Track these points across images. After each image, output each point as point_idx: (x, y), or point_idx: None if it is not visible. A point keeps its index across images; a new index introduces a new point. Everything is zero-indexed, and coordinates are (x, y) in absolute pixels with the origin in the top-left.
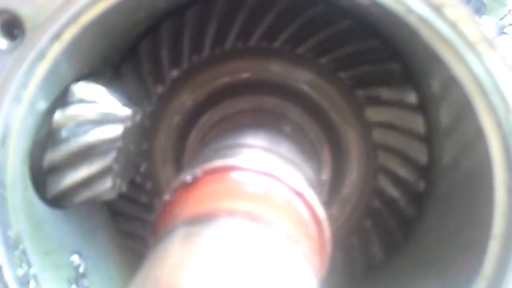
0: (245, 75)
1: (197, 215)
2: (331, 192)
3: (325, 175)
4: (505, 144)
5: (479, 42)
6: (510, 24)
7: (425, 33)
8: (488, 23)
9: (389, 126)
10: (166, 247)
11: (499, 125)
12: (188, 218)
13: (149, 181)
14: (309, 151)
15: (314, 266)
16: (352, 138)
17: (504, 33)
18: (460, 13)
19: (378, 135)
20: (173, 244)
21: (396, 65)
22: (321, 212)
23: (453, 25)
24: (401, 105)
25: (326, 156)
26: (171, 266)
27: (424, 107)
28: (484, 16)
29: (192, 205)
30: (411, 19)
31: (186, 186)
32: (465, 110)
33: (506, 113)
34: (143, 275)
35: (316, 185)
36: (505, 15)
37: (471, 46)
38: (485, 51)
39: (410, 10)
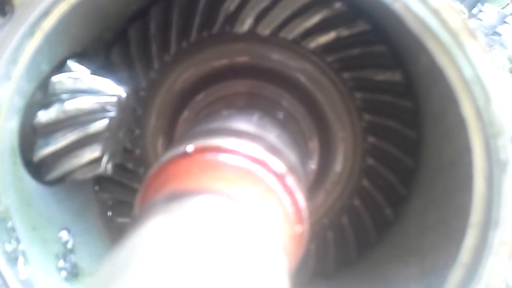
0: (239, 59)
1: (176, 192)
2: (316, 182)
3: (313, 164)
4: (484, 134)
5: (461, 30)
6: None
7: (410, 21)
8: (490, 12)
9: (377, 112)
10: (142, 224)
11: (479, 114)
12: (167, 195)
13: (140, 165)
14: (299, 139)
15: (289, 253)
16: (340, 124)
17: (506, 22)
18: (443, 1)
19: (367, 122)
20: (149, 222)
21: (385, 49)
22: (301, 199)
23: (435, 13)
24: (389, 89)
25: (315, 144)
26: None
27: (412, 92)
28: (486, 5)
29: (172, 182)
30: (397, 7)
31: (169, 163)
32: (448, 97)
33: (486, 103)
34: (119, 251)
35: (302, 173)
36: (507, 4)
37: (453, 35)
38: (466, 40)
39: None
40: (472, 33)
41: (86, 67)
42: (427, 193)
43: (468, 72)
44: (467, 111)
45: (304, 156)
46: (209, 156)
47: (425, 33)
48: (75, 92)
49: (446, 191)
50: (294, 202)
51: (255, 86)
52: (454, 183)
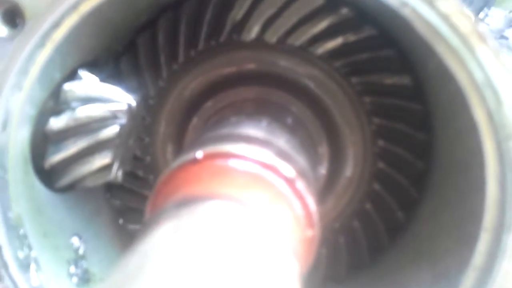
0: (247, 66)
1: (186, 198)
2: (326, 186)
3: (323, 169)
4: (496, 137)
5: (470, 35)
6: None
7: (419, 26)
8: (497, 16)
9: (386, 116)
10: (152, 230)
11: (490, 118)
12: (177, 201)
13: (150, 172)
14: (308, 144)
15: (300, 257)
16: (349, 128)
17: None
18: (452, 6)
19: (376, 126)
20: (160, 227)
21: (392, 53)
22: (311, 203)
23: (445, 18)
24: (398, 92)
25: (324, 149)
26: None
27: (421, 95)
28: (493, 8)
29: (182, 188)
30: (406, 12)
31: (179, 170)
32: (459, 101)
33: (498, 106)
34: (127, 259)
35: (311, 177)
36: None
37: (463, 39)
38: (477, 45)
39: (404, 3)
40: (482, 37)
41: (96, 76)
42: (439, 196)
43: (479, 76)
44: (478, 114)
45: (313, 161)
46: (218, 162)
47: (434, 38)
48: (86, 100)
49: (458, 194)
50: (305, 206)
51: (263, 92)
52: (467, 186)
